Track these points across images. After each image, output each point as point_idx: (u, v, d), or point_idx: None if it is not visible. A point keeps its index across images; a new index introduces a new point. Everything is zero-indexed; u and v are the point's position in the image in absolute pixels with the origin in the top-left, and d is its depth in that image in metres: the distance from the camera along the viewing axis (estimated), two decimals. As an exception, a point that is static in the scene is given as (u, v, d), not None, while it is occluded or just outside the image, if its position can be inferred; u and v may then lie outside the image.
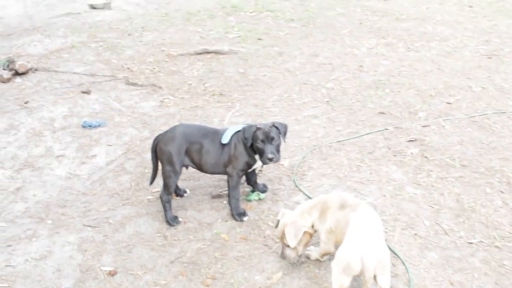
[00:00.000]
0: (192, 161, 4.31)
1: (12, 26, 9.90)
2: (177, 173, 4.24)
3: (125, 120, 6.04)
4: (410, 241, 3.97)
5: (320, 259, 3.76)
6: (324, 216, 3.56)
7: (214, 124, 5.85)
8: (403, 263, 3.73)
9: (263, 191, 4.59)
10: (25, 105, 6.44)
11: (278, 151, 4.16)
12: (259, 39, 8.69)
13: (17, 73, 7.24)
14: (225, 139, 4.26)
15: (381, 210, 4.30)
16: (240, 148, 4.24)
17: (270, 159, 4.10)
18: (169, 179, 4.23)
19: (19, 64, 7.24)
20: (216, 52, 8.01)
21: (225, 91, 6.73)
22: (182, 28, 9.35)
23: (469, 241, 3.96)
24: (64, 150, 5.44)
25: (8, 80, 7.11)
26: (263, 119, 5.92)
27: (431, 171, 4.83)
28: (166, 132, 4.33)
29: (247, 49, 8.16)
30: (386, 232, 4.04)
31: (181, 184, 4.73)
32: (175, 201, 4.54)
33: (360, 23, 9.50)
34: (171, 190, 4.26)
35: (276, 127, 4.18)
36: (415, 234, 4.04)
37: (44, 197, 4.71)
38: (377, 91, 6.52)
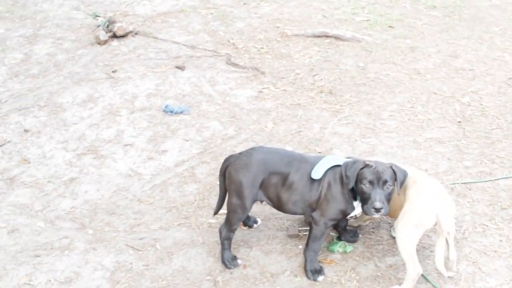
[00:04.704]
0: (268, 196, 3.36)
1: (130, -20, 9.40)
2: (245, 209, 3.33)
3: (212, 109, 5.21)
4: None
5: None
6: None
7: (314, 131, 4.86)
8: None
9: (352, 241, 3.57)
10: (112, 74, 5.83)
11: (388, 200, 3.11)
12: (390, 26, 7.40)
13: (115, 36, 6.65)
14: (316, 174, 3.25)
15: (508, 304, 3.12)
16: (336, 190, 3.22)
17: (377, 210, 3.05)
18: (234, 214, 3.33)
19: (118, 27, 6.63)
20: (336, 37, 6.88)
21: (336, 88, 5.65)
22: (305, 3, 8.25)
23: None
24: (135, 138, 4.74)
25: (105, 42, 6.54)
26: (373, 134, 4.82)
27: None
28: (240, 154, 3.39)
29: (374, 38, 6.94)
30: None
31: (253, 210, 3.84)
32: (241, 232, 3.66)
33: (518, 21, 7.85)
34: (234, 227, 3.37)
35: (393, 170, 3.13)
36: None
37: (95, 196, 4.04)
38: (528, 118, 5.12)
